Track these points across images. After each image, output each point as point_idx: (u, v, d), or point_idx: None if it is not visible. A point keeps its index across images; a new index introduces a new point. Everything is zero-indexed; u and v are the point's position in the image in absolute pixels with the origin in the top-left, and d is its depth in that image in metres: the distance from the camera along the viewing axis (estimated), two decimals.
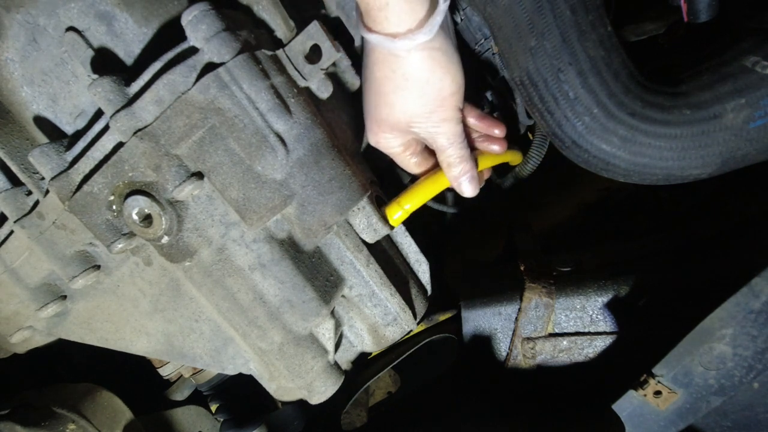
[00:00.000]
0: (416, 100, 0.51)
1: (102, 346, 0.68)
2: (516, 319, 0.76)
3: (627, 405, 0.65)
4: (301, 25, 0.51)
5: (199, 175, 0.48)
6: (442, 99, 0.51)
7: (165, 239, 0.49)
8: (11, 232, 0.60)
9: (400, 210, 0.58)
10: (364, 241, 0.59)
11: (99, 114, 0.52)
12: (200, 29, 0.44)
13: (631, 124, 0.53)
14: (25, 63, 0.51)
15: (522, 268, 0.77)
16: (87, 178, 0.50)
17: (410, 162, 0.60)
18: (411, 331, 0.70)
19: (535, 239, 0.86)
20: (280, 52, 0.50)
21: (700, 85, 0.53)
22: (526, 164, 0.77)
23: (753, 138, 0.52)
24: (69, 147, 0.51)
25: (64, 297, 0.64)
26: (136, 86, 0.46)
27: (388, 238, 0.67)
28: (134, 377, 0.95)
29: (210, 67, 0.45)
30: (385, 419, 0.93)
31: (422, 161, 0.61)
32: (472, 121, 0.59)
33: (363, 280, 0.59)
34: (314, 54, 0.51)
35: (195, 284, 0.53)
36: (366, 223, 0.55)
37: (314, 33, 0.50)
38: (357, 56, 0.58)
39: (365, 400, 0.94)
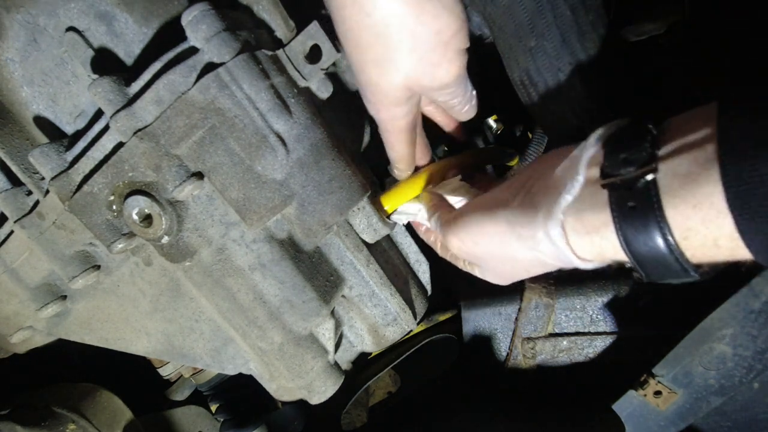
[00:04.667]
0: (409, 53, 0.40)
1: (102, 346, 0.68)
2: (516, 319, 0.76)
3: (627, 405, 0.65)
4: (301, 25, 0.51)
5: (199, 175, 0.48)
6: (444, 44, 0.40)
7: (165, 239, 0.49)
8: (11, 232, 0.60)
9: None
10: (364, 241, 0.59)
11: (99, 114, 0.52)
12: (200, 29, 0.44)
13: None
14: (25, 63, 0.51)
15: None
16: (87, 178, 0.50)
17: (410, 140, 0.51)
18: (411, 331, 0.70)
19: None
20: (280, 52, 0.50)
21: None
22: (525, 162, 0.77)
23: None
24: (69, 147, 0.51)
25: (64, 297, 0.64)
26: (136, 86, 0.46)
27: (388, 238, 0.67)
28: (134, 377, 0.95)
29: (210, 67, 0.45)
30: (385, 419, 0.93)
31: (420, 135, 0.54)
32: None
33: (363, 280, 0.59)
34: (314, 54, 0.51)
35: (195, 284, 0.53)
36: (366, 223, 0.55)
37: (314, 33, 0.50)
38: None
39: (365, 400, 0.94)
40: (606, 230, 0.33)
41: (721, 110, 0.29)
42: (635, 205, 0.31)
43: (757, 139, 0.26)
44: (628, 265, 0.34)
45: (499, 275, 0.47)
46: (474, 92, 0.51)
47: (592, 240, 0.34)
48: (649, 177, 0.30)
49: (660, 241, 0.31)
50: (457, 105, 0.49)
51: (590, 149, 0.35)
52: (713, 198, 0.28)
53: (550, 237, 0.36)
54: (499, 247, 0.42)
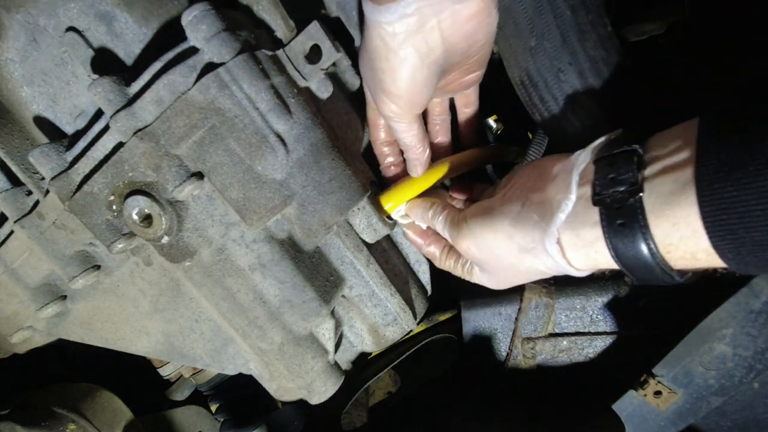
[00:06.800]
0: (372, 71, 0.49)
1: (102, 346, 0.68)
2: (516, 319, 0.76)
3: (627, 405, 0.65)
4: (301, 25, 0.51)
5: (199, 175, 0.48)
6: (387, 93, 0.49)
7: (165, 239, 0.49)
8: (11, 232, 0.60)
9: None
10: (364, 241, 0.59)
11: (99, 114, 0.52)
12: (200, 29, 0.44)
13: None
14: (25, 63, 0.51)
15: None
16: (87, 178, 0.50)
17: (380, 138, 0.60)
18: (411, 331, 0.70)
19: None
20: (280, 52, 0.50)
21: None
22: (527, 161, 0.77)
23: None
24: (69, 147, 0.51)
25: (64, 297, 0.64)
26: (136, 86, 0.46)
27: (388, 238, 0.67)
28: (134, 377, 0.95)
29: (210, 67, 0.45)
30: (385, 419, 0.93)
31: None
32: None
33: (363, 280, 0.59)
34: (314, 54, 0.51)
35: (195, 284, 0.53)
36: (366, 223, 0.55)
37: (314, 33, 0.50)
38: (357, 56, 0.58)
39: (365, 400, 0.94)
40: (599, 244, 0.37)
41: (700, 133, 0.32)
42: (624, 222, 0.35)
43: (730, 162, 0.29)
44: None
45: (499, 281, 0.50)
46: (428, 153, 0.57)
47: (587, 253, 0.39)
48: (636, 197, 0.34)
49: (647, 254, 0.35)
50: (402, 141, 0.55)
51: (581, 166, 0.40)
52: (690, 218, 0.32)
53: (547, 252, 0.40)
54: (499, 256, 0.45)
